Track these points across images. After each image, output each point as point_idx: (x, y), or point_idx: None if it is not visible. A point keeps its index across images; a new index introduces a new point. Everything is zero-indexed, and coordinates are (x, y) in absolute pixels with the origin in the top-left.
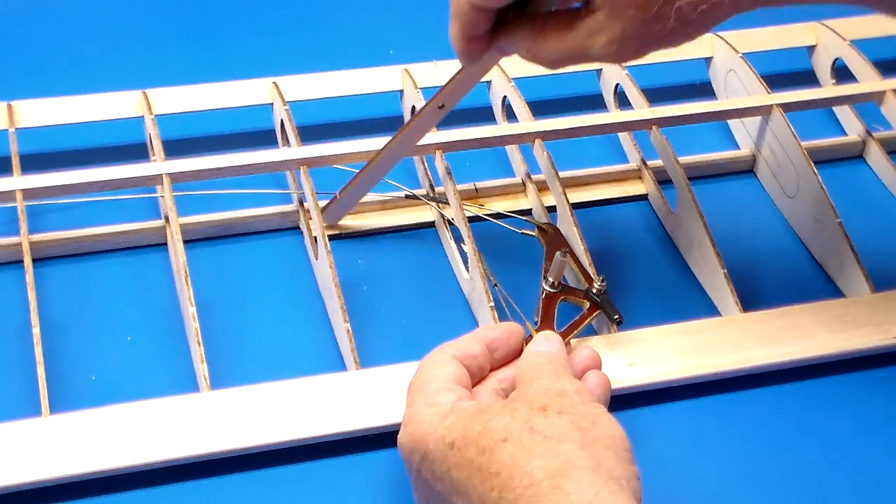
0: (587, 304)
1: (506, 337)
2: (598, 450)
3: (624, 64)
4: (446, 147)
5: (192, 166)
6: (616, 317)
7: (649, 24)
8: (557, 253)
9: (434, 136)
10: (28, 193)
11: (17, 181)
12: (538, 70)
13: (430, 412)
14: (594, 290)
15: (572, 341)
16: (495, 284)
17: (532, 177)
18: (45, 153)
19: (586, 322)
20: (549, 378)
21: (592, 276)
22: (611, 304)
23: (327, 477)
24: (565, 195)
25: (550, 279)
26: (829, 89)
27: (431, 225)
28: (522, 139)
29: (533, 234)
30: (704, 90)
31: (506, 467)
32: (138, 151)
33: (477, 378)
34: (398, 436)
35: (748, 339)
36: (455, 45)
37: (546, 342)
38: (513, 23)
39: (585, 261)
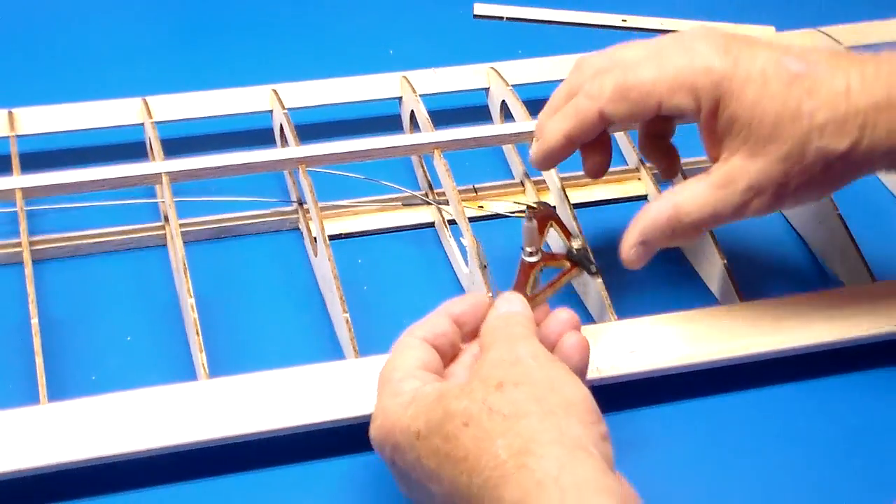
0: (568, 265)
1: (472, 310)
2: (559, 419)
3: None
4: (445, 146)
5: (190, 165)
6: (592, 267)
7: (789, 161)
8: (523, 220)
9: (432, 136)
10: (28, 192)
11: (17, 180)
12: (536, 77)
13: (395, 402)
14: (574, 249)
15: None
16: (484, 266)
17: (531, 177)
18: (45, 160)
19: (564, 280)
20: (503, 346)
21: (575, 235)
22: (589, 257)
23: (327, 477)
24: (565, 195)
25: (526, 248)
26: None
27: (431, 225)
28: (520, 138)
29: (523, 215)
30: None
31: (471, 451)
32: (138, 157)
33: (450, 355)
34: (369, 429)
35: (749, 327)
36: (548, 139)
37: (507, 304)
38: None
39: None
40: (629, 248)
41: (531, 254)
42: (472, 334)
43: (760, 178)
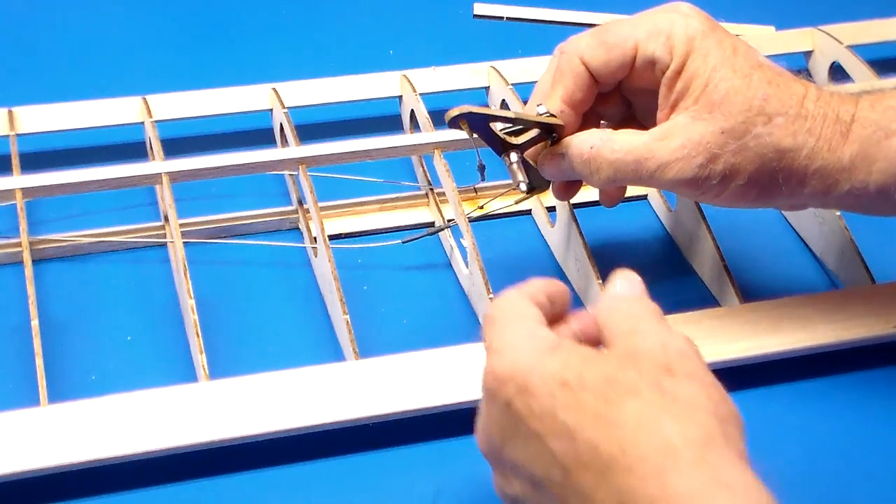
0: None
1: (558, 289)
2: (731, 429)
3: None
4: (445, 146)
5: (190, 165)
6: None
7: (728, 133)
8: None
9: (432, 136)
10: (28, 192)
11: (17, 180)
12: (536, 76)
13: (533, 343)
14: (537, 114)
15: None
16: (481, 179)
17: None
18: (45, 159)
19: (533, 119)
20: (658, 333)
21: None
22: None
23: (327, 477)
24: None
25: (521, 185)
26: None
27: (431, 225)
28: None
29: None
30: None
31: (629, 422)
32: (138, 157)
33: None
34: (488, 364)
35: (749, 328)
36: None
37: (628, 284)
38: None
39: (589, 262)
40: (547, 155)
41: (530, 188)
42: (556, 316)
43: (696, 140)
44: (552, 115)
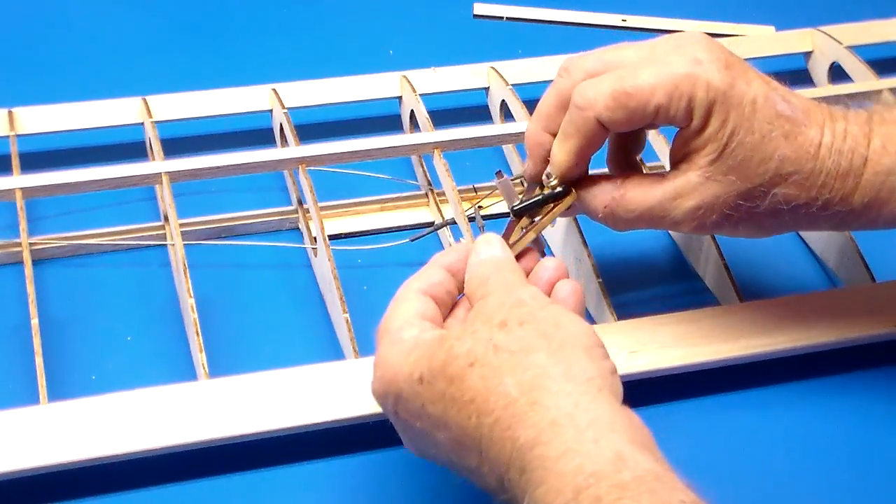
0: (551, 206)
1: (462, 257)
2: (568, 353)
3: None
4: (445, 146)
5: (190, 165)
6: (561, 191)
7: (743, 197)
8: (495, 178)
9: (432, 136)
10: (28, 192)
11: (17, 180)
12: (536, 76)
13: (395, 351)
14: (549, 190)
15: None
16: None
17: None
18: (45, 160)
19: (549, 215)
20: (501, 292)
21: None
22: (564, 189)
23: (327, 477)
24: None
25: (510, 206)
26: (825, 89)
27: (431, 224)
28: (520, 138)
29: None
30: None
31: (479, 392)
32: (138, 157)
33: (448, 304)
34: (371, 382)
35: (749, 327)
36: (560, 162)
37: (487, 246)
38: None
39: (589, 262)
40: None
41: (514, 210)
42: (463, 282)
43: (710, 203)
44: (563, 186)
